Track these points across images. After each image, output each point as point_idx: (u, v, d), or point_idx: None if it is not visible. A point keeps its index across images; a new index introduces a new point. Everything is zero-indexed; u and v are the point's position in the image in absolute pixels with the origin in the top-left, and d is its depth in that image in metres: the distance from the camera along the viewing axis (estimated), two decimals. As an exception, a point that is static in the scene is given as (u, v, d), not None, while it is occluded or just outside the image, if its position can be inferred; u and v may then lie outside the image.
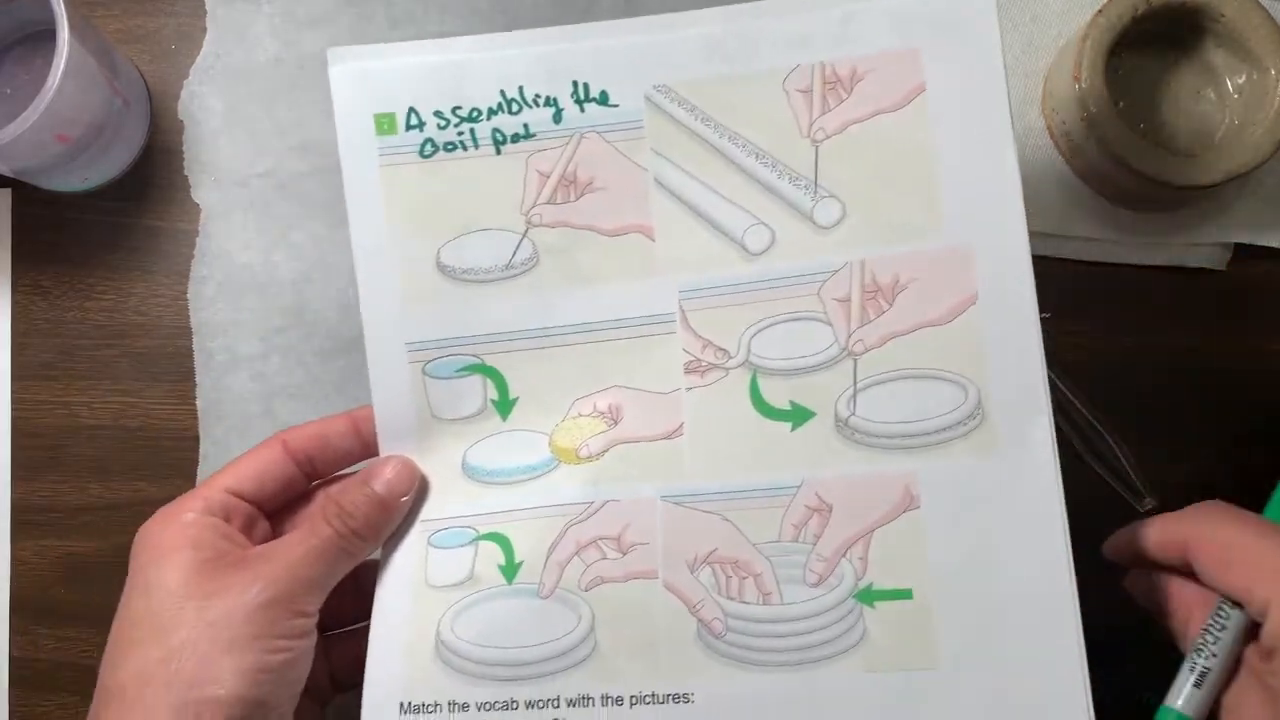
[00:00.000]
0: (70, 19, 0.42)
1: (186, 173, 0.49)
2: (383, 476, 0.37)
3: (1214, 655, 0.35)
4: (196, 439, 0.48)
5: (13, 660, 0.48)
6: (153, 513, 0.47)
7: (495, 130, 0.38)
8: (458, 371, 0.39)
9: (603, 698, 0.36)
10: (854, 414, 0.37)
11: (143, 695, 0.33)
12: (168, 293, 0.49)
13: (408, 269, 0.39)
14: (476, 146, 0.38)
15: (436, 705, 0.36)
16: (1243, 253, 0.47)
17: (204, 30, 0.49)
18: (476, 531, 0.38)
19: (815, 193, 0.37)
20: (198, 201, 0.49)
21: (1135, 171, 0.43)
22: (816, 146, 0.38)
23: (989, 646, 0.35)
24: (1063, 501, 0.35)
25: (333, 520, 0.36)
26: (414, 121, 0.38)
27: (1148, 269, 0.47)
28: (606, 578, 0.37)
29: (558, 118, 0.38)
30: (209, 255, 0.49)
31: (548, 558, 0.37)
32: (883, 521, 0.36)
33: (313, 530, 0.36)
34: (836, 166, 0.37)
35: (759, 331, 0.38)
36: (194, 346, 0.48)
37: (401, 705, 0.37)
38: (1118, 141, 0.43)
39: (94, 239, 0.49)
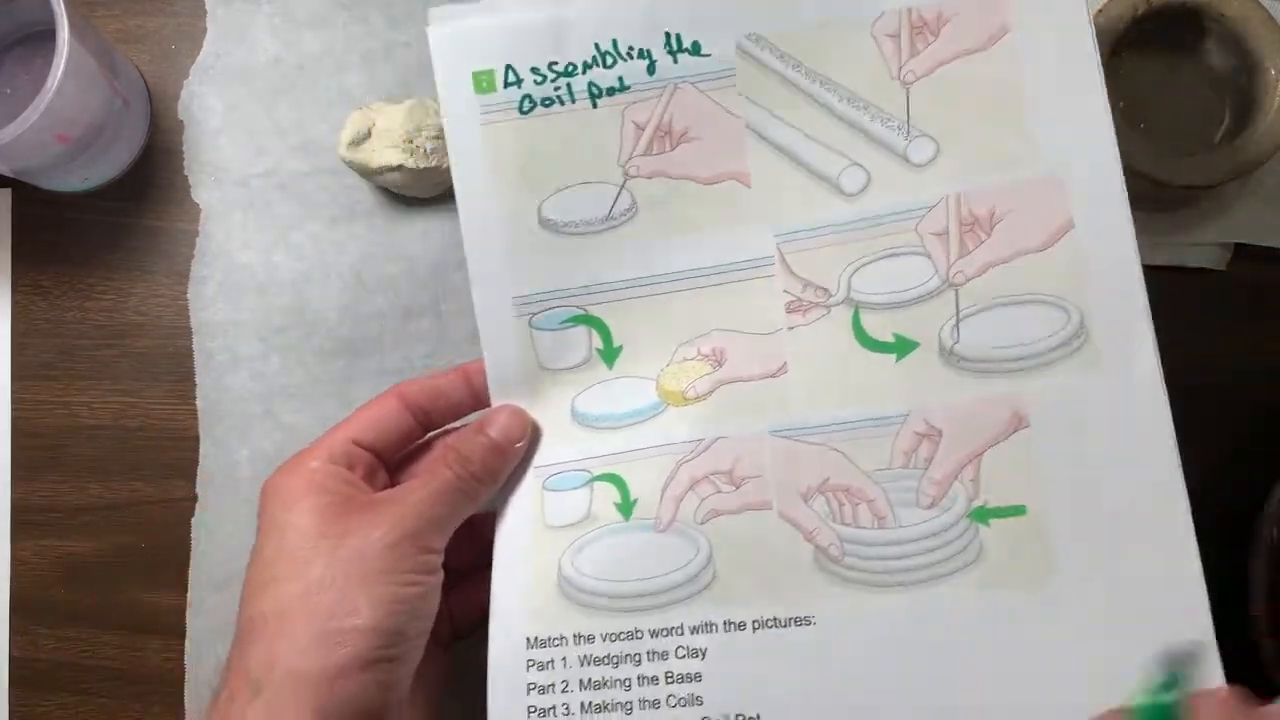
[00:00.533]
0: (70, 19, 0.42)
1: (186, 173, 0.49)
2: (497, 423, 0.39)
3: None
4: (196, 439, 0.48)
5: (13, 660, 0.48)
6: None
7: (591, 84, 0.39)
8: (563, 323, 0.40)
9: (725, 623, 0.37)
10: (958, 342, 0.38)
11: (283, 627, 0.34)
12: (168, 293, 0.49)
13: (511, 225, 0.39)
14: (573, 101, 0.39)
15: (562, 638, 0.38)
16: (1243, 253, 0.47)
17: (204, 30, 0.49)
18: (590, 473, 0.39)
19: (908, 132, 0.38)
20: (198, 201, 0.49)
21: (1135, 171, 0.43)
22: (907, 88, 0.38)
23: (1104, 558, 0.36)
24: (1169, 411, 0.36)
25: (452, 465, 0.37)
26: (511, 79, 0.39)
27: (1148, 269, 0.46)
28: (721, 510, 0.38)
29: (651, 69, 0.39)
30: (209, 255, 0.49)
31: (663, 494, 0.38)
32: (992, 443, 0.37)
33: (433, 474, 0.37)
34: (928, 106, 0.38)
35: (858, 269, 0.39)
36: (194, 346, 0.48)
37: (528, 640, 0.38)
38: (1118, 141, 0.43)
39: (94, 239, 0.49)
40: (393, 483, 0.40)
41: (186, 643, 0.47)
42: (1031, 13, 0.38)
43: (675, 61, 0.39)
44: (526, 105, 0.39)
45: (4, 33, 0.48)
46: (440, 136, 0.45)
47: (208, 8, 0.50)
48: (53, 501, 0.48)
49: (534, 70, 0.39)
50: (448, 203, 0.48)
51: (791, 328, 0.39)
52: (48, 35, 0.42)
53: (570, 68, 0.39)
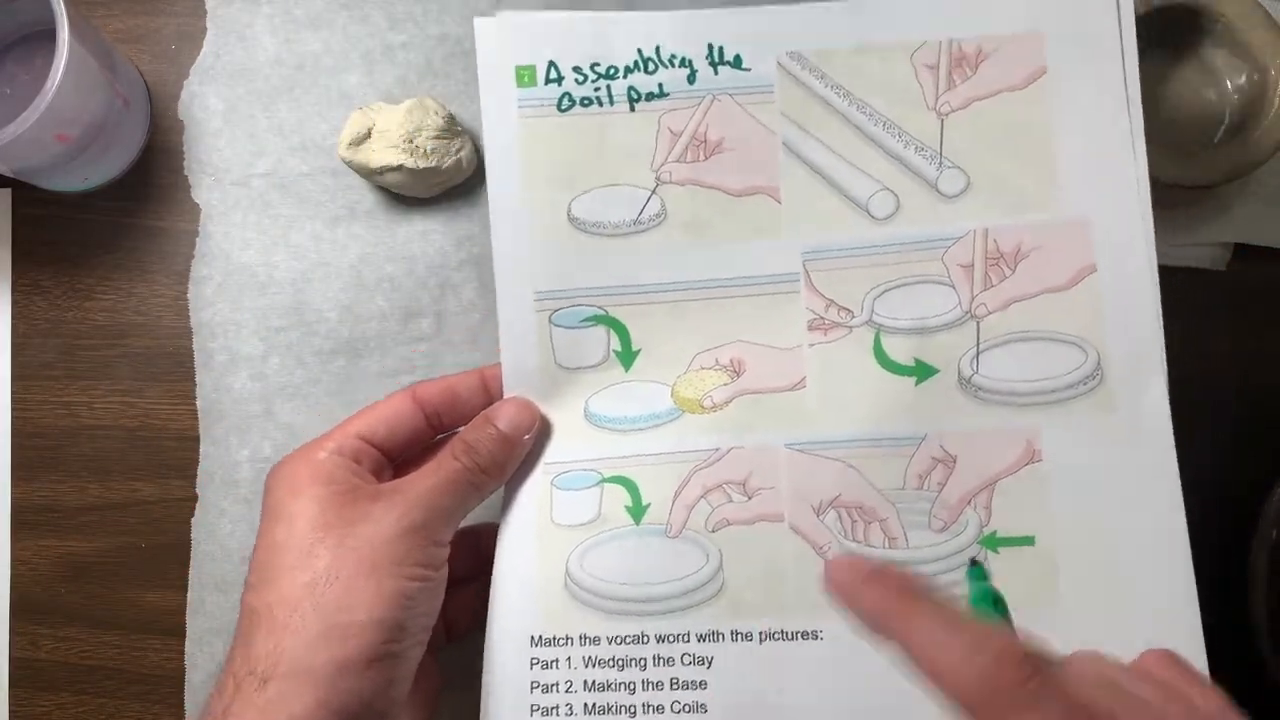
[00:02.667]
0: (70, 19, 0.42)
1: (186, 173, 0.49)
2: (505, 415, 0.39)
3: None
4: (196, 439, 0.48)
5: (13, 660, 0.48)
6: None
7: (631, 88, 0.40)
8: (583, 321, 0.40)
9: (732, 633, 0.38)
10: (977, 373, 0.38)
11: (290, 619, 0.34)
12: (168, 293, 0.49)
13: (540, 219, 0.40)
14: (612, 103, 0.40)
15: (568, 638, 0.38)
16: (1242, 253, 0.47)
17: (204, 30, 0.49)
18: (601, 475, 0.39)
19: (940, 163, 0.39)
20: (198, 201, 0.49)
21: (1135, 171, 0.43)
22: (942, 119, 0.39)
23: (1107, 588, 0.37)
24: (1174, 454, 0.37)
25: (460, 456, 0.37)
26: (553, 75, 0.40)
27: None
28: (733, 520, 0.38)
29: (692, 79, 0.40)
30: (209, 255, 0.49)
31: (674, 500, 0.39)
32: (1006, 473, 0.38)
33: (440, 465, 0.37)
34: (960, 139, 0.39)
35: (882, 293, 0.39)
36: (194, 346, 0.48)
37: (532, 638, 0.38)
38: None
39: (94, 239, 0.49)
40: None
41: (186, 643, 0.47)
42: (1070, 60, 0.38)
43: (716, 73, 0.39)
44: (565, 103, 0.40)
45: (4, 33, 0.48)
46: (440, 136, 0.45)
47: (208, 8, 0.50)
48: (53, 501, 0.48)
49: (576, 69, 0.39)
50: (448, 203, 0.48)
51: (812, 344, 0.39)
52: (48, 35, 0.42)
53: (612, 70, 0.40)
